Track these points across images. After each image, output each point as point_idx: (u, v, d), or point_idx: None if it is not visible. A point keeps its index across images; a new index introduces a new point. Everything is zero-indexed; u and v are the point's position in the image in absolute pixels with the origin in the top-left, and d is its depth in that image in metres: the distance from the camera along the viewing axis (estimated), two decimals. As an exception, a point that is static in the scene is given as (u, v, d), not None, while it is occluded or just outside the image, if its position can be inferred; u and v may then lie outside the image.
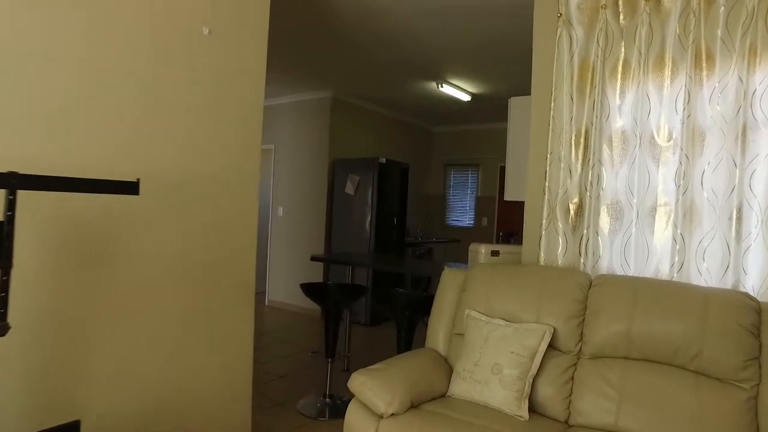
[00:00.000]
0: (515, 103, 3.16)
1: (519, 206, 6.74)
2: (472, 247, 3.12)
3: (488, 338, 2.06)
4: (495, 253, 3.01)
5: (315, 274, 5.79)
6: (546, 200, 2.54)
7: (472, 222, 7.24)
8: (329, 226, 5.74)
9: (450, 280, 2.50)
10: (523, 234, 2.74)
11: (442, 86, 4.93)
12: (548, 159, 2.54)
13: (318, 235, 5.77)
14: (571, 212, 2.47)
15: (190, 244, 2.17)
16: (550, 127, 2.54)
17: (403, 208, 5.84)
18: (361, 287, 3.08)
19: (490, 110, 6.19)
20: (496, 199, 6.98)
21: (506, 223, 6.87)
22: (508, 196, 3.19)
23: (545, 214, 2.53)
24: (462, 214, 7.36)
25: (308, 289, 2.95)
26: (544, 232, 2.54)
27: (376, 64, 4.49)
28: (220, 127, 2.30)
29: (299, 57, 4.35)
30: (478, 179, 7.17)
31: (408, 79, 4.93)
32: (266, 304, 6.32)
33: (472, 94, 5.38)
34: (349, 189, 5.49)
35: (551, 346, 2.04)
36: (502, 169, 6.94)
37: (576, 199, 2.46)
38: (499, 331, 2.07)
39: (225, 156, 2.33)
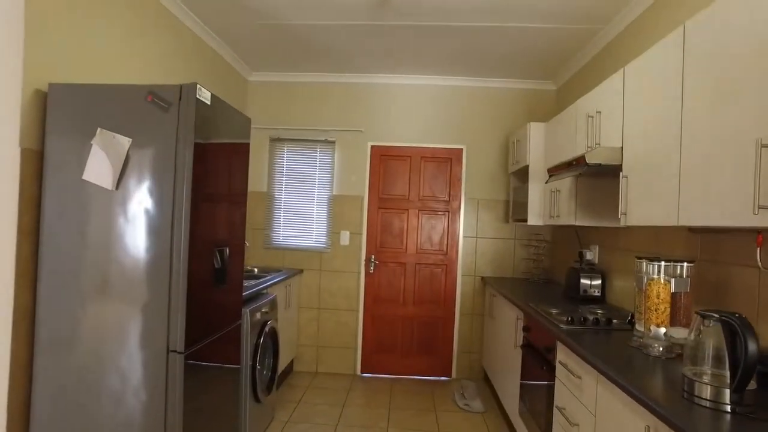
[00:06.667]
0: None
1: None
2: None
3: None
4: None
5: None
6: None
7: (323, 241, 4.31)
8: (32, 277, 2.00)
9: None
10: None
11: None
12: None
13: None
14: None
15: None
16: None
17: (240, 216, 2.57)
18: None
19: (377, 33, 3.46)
20: (364, 199, 4.27)
21: (390, 242, 4.22)
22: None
23: None
24: (305, 227, 4.35)
25: None
26: None
27: None
28: None
29: None
30: (333, 167, 4.31)
31: None
32: None
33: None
34: (97, 173, 1.94)
35: None
36: (375, 150, 4.31)
37: None
38: None
39: None
